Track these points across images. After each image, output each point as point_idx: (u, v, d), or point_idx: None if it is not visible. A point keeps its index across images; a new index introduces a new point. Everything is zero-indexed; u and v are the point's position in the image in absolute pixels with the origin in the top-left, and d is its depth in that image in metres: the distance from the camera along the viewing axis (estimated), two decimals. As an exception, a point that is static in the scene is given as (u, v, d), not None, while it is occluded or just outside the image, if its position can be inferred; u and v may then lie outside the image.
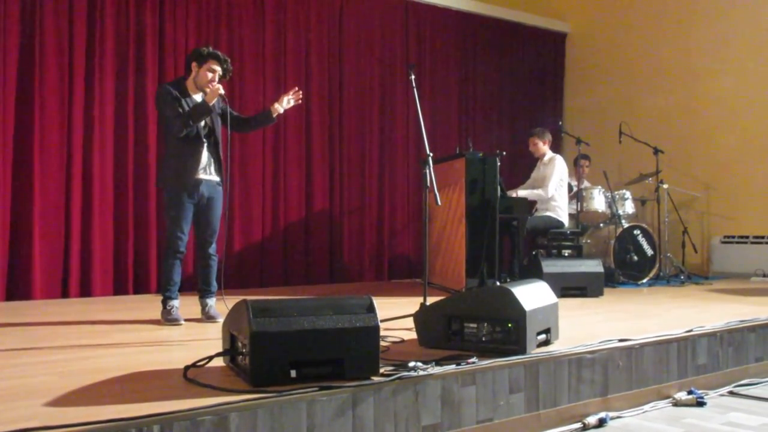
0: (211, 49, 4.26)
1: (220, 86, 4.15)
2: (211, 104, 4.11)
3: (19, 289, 5.47)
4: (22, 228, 5.52)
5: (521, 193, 6.43)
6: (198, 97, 4.25)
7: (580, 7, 9.22)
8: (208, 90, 4.15)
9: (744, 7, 7.60)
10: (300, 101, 4.47)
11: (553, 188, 6.46)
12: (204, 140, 4.23)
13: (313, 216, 7.06)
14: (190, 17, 6.36)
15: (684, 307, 4.96)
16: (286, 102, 4.39)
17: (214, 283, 4.35)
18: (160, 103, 4.19)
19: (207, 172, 4.26)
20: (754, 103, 7.48)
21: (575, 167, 7.47)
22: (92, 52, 5.84)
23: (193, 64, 4.24)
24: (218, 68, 4.22)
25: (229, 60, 4.30)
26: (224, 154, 4.33)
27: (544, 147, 6.68)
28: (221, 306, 3.07)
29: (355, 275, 7.30)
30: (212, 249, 4.35)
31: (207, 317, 4.25)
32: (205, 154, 4.25)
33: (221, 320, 2.92)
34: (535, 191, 6.47)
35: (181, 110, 4.12)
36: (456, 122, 8.21)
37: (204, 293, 4.33)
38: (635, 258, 6.80)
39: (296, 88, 4.45)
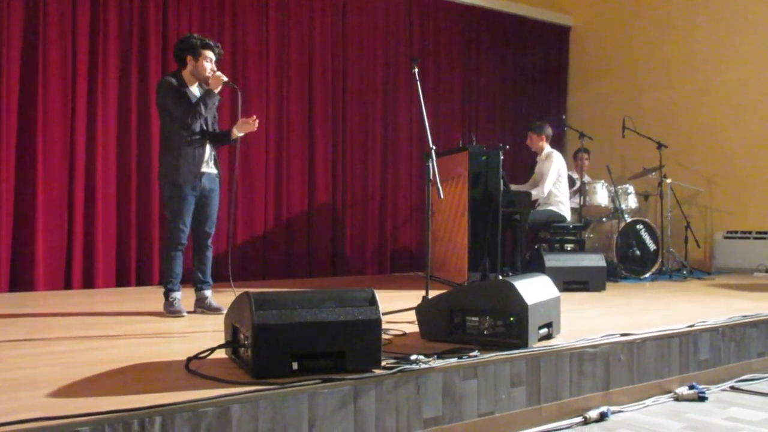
0: (202, 39, 4.25)
1: (221, 74, 4.15)
2: (216, 91, 4.13)
3: (22, 280, 5.49)
4: (25, 219, 5.53)
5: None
6: (195, 89, 4.26)
7: (584, 0, 9.18)
8: (210, 80, 4.15)
9: (748, 1, 7.56)
10: (256, 129, 4.34)
11: (549, 186, 6.40)
12: (208, 133, 4.25)
13: (316, 209, 7.06)
14: (193, 11, 6.34)
15: (686, 302, 4.96)
16: (241, 125, 4.26)
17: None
18: (164, 97, 4.16)
19: (208, 164, 4.28)
20: (758, 98, 7.46)
21: (575, 160, 7.45)
22: (95, 47, 5.84)
23: (188, 58, 4.22)
24: (213, 56, 4.23)
25: (219, 44, 4.33)
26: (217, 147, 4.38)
27: (541, 143, 6.55)
28: (230, 297, 3.07)
29: (358, 268, 7.30)
30: (209, 241, 4.38)
31: (210, 309, 4.27)
32: (207, 147, 4.26)
33: (225, 311, 2.93)
34: (532, 192, 6.43)
35: (189, 103, 4.13)
36: (459, 116, 8.20)
37: (204, 285, 4.34)
38: (638, 253, 6.79)
39: (254, 117, 4.30)
